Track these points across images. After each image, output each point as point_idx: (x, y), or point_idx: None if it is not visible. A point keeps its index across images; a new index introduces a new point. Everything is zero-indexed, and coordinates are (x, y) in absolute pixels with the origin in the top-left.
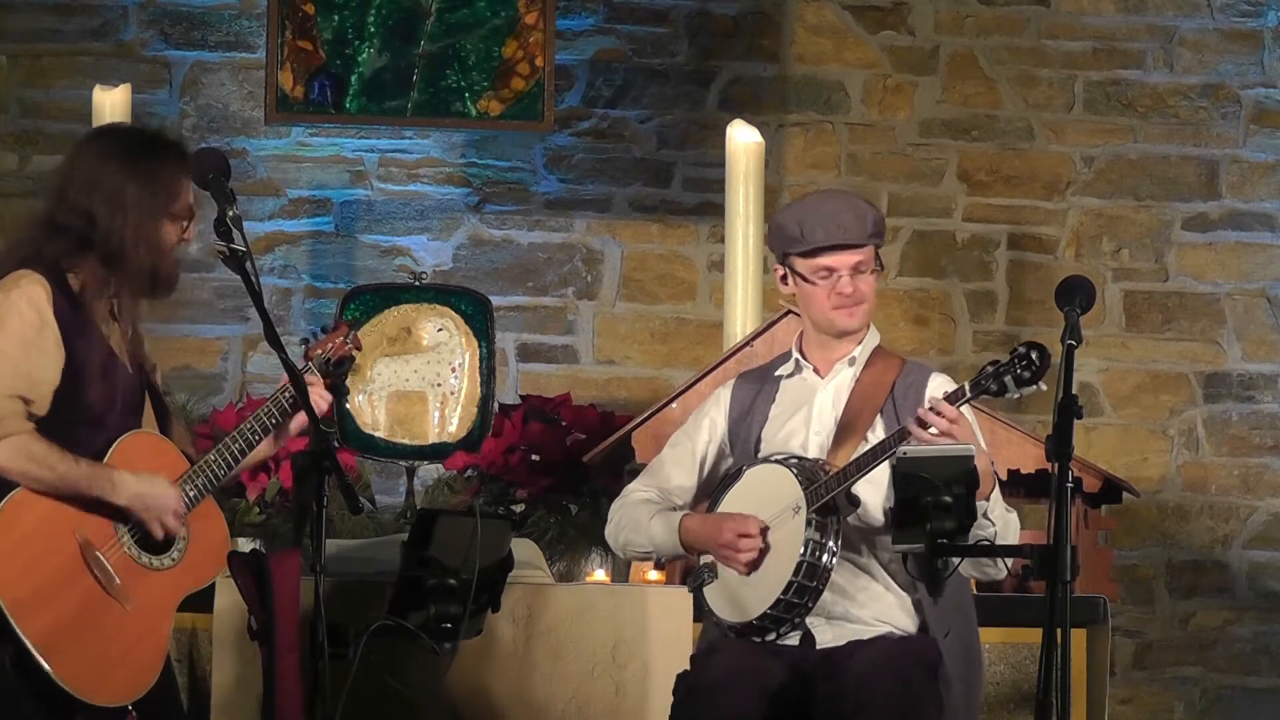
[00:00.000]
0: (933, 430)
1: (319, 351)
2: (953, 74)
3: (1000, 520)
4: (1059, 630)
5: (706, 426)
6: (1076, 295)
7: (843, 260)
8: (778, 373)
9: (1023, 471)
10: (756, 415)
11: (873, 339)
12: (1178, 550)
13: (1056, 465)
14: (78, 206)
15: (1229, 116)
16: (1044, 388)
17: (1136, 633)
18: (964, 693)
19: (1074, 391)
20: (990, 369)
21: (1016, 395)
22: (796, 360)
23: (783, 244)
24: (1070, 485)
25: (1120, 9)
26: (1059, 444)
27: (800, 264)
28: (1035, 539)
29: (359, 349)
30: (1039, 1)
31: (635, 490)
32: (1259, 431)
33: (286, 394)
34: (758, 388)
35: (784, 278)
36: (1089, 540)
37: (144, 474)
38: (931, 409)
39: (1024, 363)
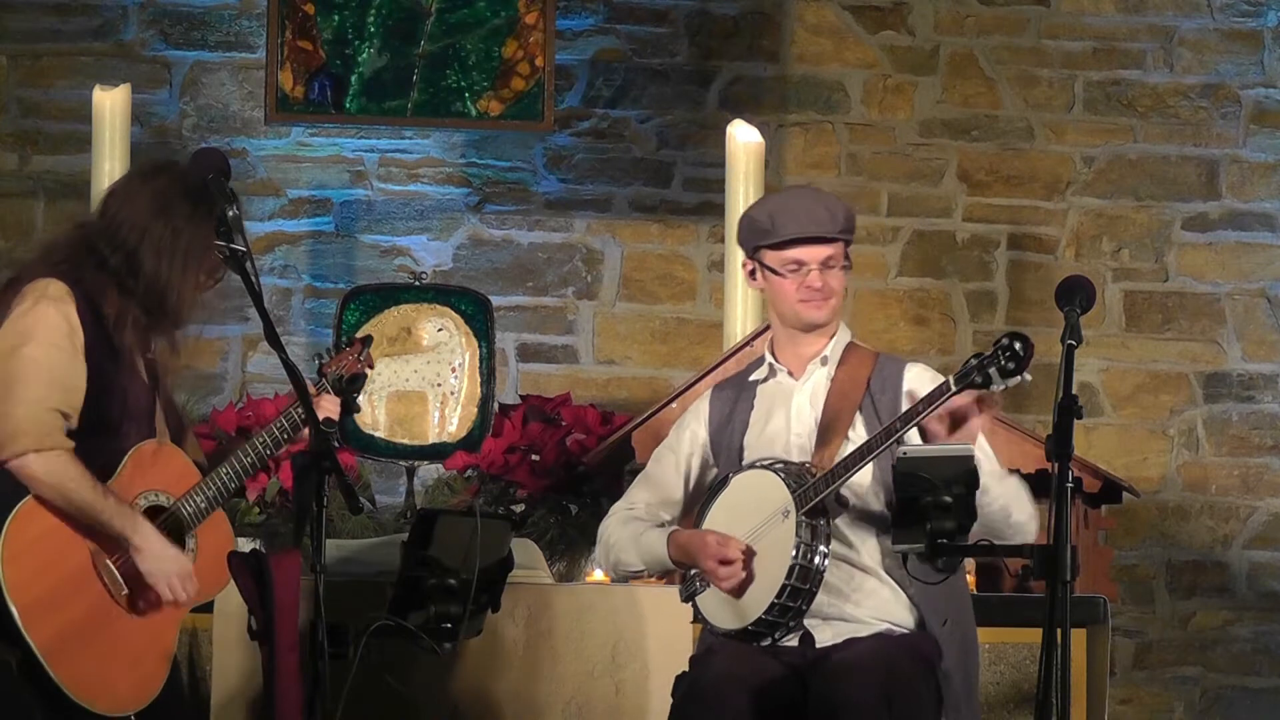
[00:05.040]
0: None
1: (332, 369)
2: (953, 74)
3: (999, 489)
4: (1059, 630)
5: (688, 439)
6: (1076, 295)
7: (813, 254)
8: (752, 378)
9: (1023, 471)
10: (737, 424)
11: (844, 336)
12: (1178, 550)
13: (1056, 465)
14: (124, 246)
15: (1229, 116)
16: (1029, 378)
17: (1136, 633)
18: (963, 682)
19: (1074, 391)
20: (974, 361)
21: (1001, 387)
22: (770, 364)
23: (753, 237)
24: (1070, 485)
25: (1120, 9)
26: (1059, 444)
27: (770, 257)
28: (1035, 539)
29: (371, 366)
30: (1039, 1)
31: (622, 508)
32: (1259, 431)
33: (298, 407)
34: (735, 396)
35: (752, 273)
36: (1089, 540)
37: (167, 542)
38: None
39: (1007, 354)
